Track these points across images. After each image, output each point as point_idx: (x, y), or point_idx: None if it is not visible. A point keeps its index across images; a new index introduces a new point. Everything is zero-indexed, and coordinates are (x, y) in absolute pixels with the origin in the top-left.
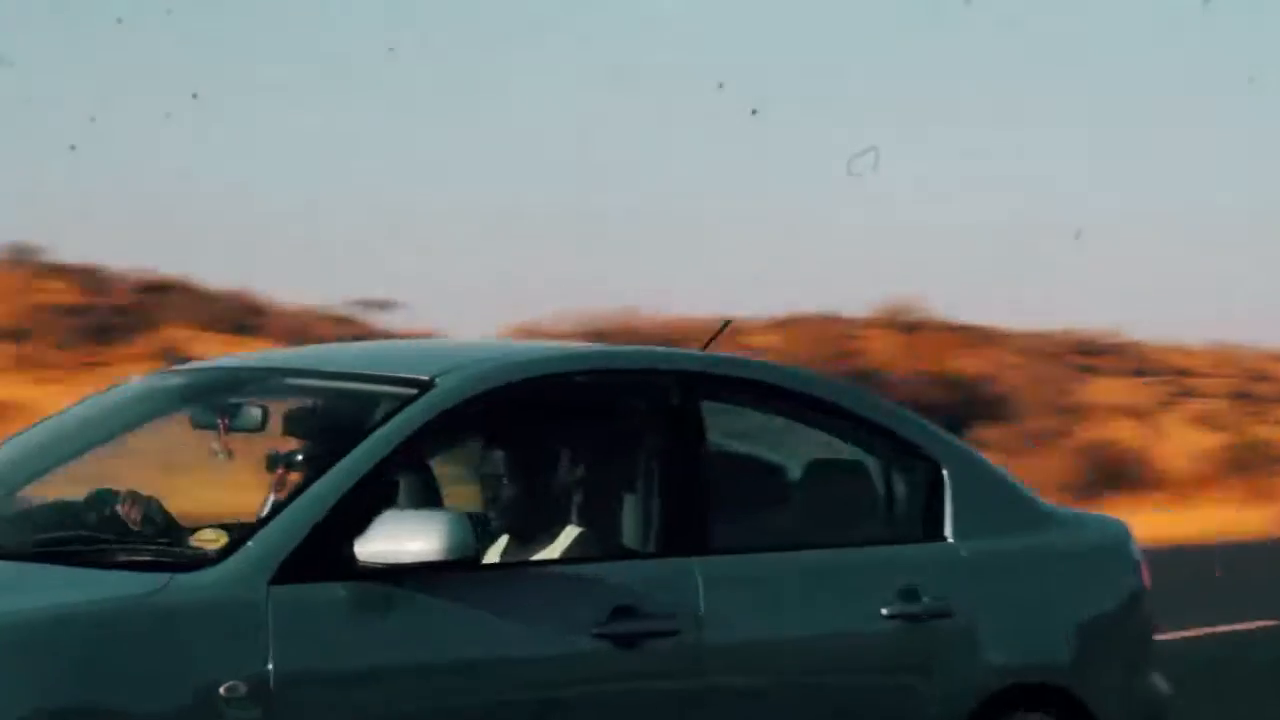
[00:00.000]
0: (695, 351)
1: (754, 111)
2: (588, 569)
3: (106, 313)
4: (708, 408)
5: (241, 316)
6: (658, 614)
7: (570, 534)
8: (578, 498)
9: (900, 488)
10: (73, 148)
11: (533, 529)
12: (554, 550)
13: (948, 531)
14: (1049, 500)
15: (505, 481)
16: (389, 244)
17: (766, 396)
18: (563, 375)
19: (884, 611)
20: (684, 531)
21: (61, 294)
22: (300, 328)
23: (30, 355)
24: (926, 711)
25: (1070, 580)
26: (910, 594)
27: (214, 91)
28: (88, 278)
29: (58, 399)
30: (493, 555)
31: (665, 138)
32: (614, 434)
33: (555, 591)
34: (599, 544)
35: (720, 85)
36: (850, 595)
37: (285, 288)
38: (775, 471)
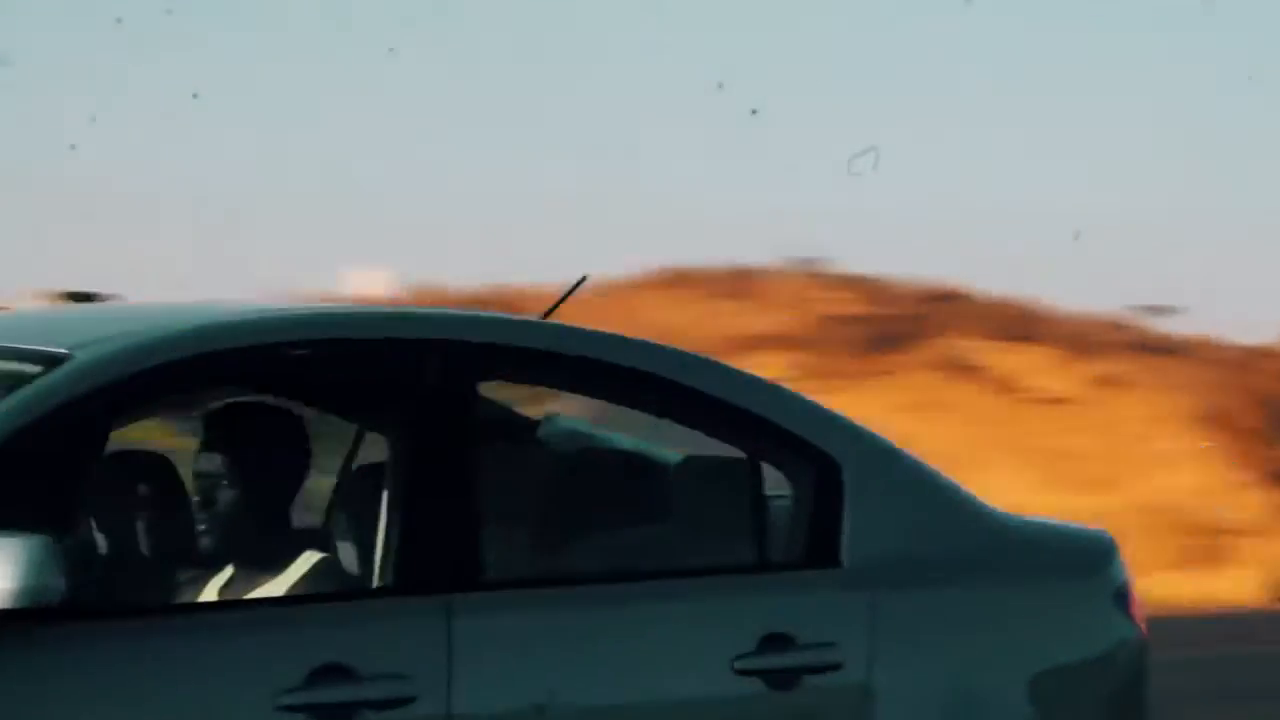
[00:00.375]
0: (479, 313)
1: (754, 111)
2: (282, 612)
3: (890, 322)
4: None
5: (1020, 325)
6: (383, 674)
7: (307, 561)
8: (332, 514)
9: (780, 495)
10: (71, 147)
11: (259, 554)
12: (282, 583)
13: (843, 553)
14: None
15: (216, 491)
16: (1172, 249)
17: (587, 376)
18: (266, 347)
19: (734, 666)
20: (441, 558)
21: (848, 304)
22: (1077, 334)
23: (818, 364)
24: None
25: (1026, 618)
26: (778, 641)
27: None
28: (873, 288)
29: (844, 405)
30: (212, 589)
31: None
32: (356, 425)
33: (225, 647)
34: (341, 575)
35: None
36: (686, 644)
37: (1065, 296)
38: (636, 475)
